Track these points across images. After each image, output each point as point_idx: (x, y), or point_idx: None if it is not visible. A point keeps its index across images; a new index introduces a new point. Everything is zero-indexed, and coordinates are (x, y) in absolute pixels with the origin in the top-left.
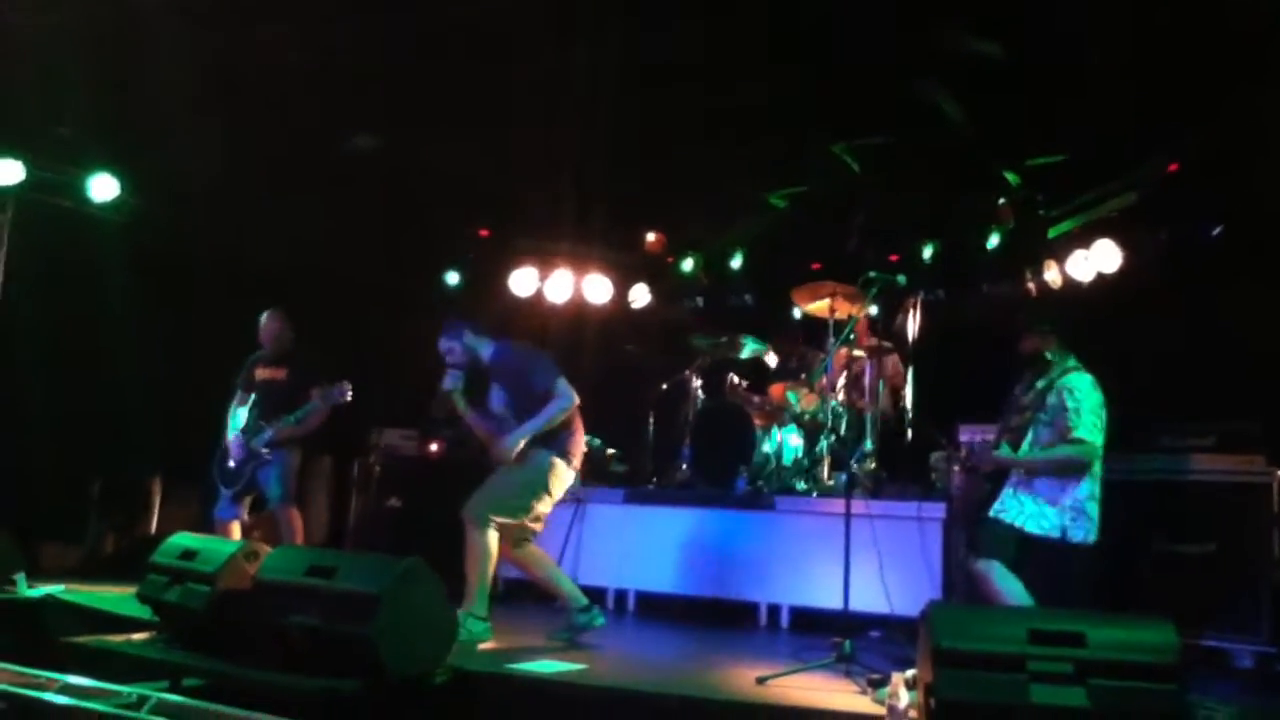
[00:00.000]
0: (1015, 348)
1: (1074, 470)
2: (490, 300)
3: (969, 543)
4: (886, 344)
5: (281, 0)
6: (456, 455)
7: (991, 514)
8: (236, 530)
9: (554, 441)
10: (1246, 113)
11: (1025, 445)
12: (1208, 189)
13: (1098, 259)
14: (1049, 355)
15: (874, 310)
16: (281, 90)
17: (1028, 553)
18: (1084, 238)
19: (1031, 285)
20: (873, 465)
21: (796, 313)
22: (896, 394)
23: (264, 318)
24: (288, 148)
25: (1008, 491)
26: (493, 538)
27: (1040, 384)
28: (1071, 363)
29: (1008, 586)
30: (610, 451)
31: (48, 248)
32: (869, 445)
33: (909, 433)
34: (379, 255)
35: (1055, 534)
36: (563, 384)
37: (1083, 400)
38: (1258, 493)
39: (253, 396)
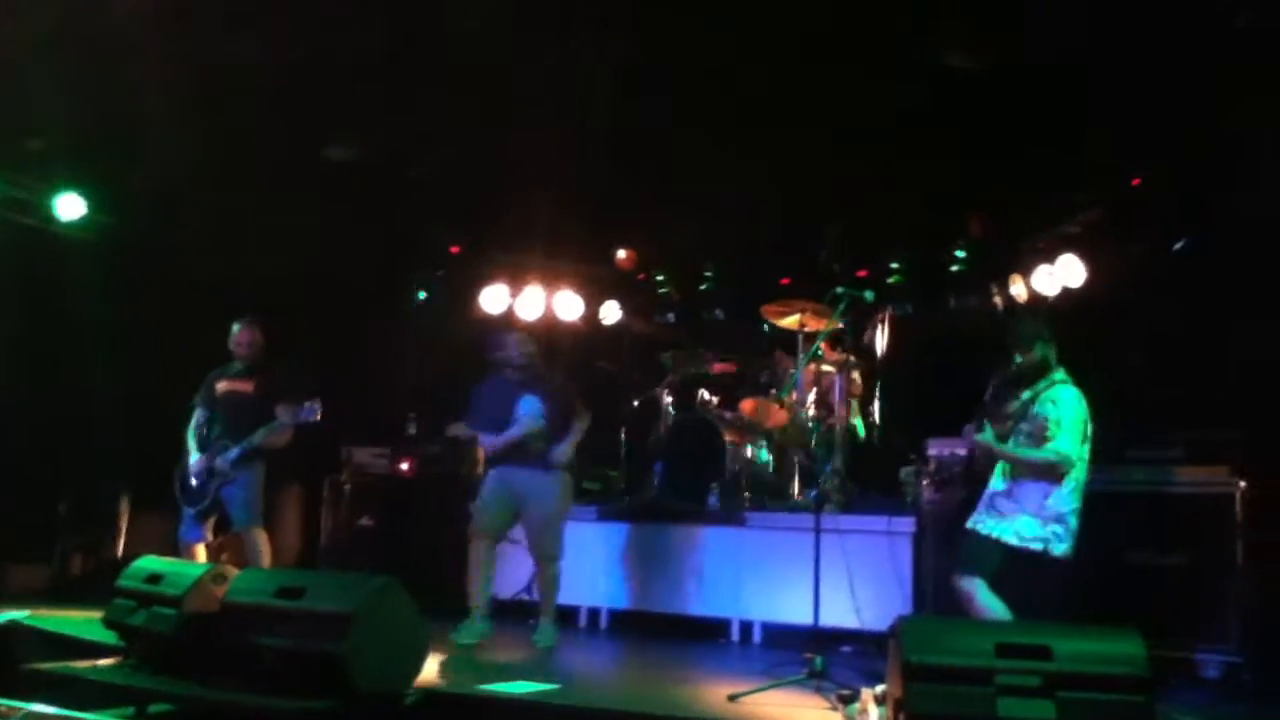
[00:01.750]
0: (995, 357)
1: (1050, 475)
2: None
3: (950, 557)
4: (854, 359)
5: (252, 14)
6: (428, 473)
7: (968, 525)
8: (201, 553)
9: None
10: (1215, 125)
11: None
12: (1173, 202)
13: (1063, 274)
14: (1048, 363)
15: (842, 325)
16: (253, 107)
17: (1008, 565)
18: (1049, 252)
19: (999, 299)
20: (841, 480)
21: (767, 328)
22: (863, 408)
23: (238, 327)
24: (258, 166)
25: (985, 506)
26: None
27: (1026, 395)
28: (1060, 375)
29: (990, 605)
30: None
31: (14, 266)
32: (838, 460)
33: (876, 446)
34: (349, 271)
35: (1037, 547)
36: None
37: (1065, 413)
38: (1223, 503)
39: (210, 412)
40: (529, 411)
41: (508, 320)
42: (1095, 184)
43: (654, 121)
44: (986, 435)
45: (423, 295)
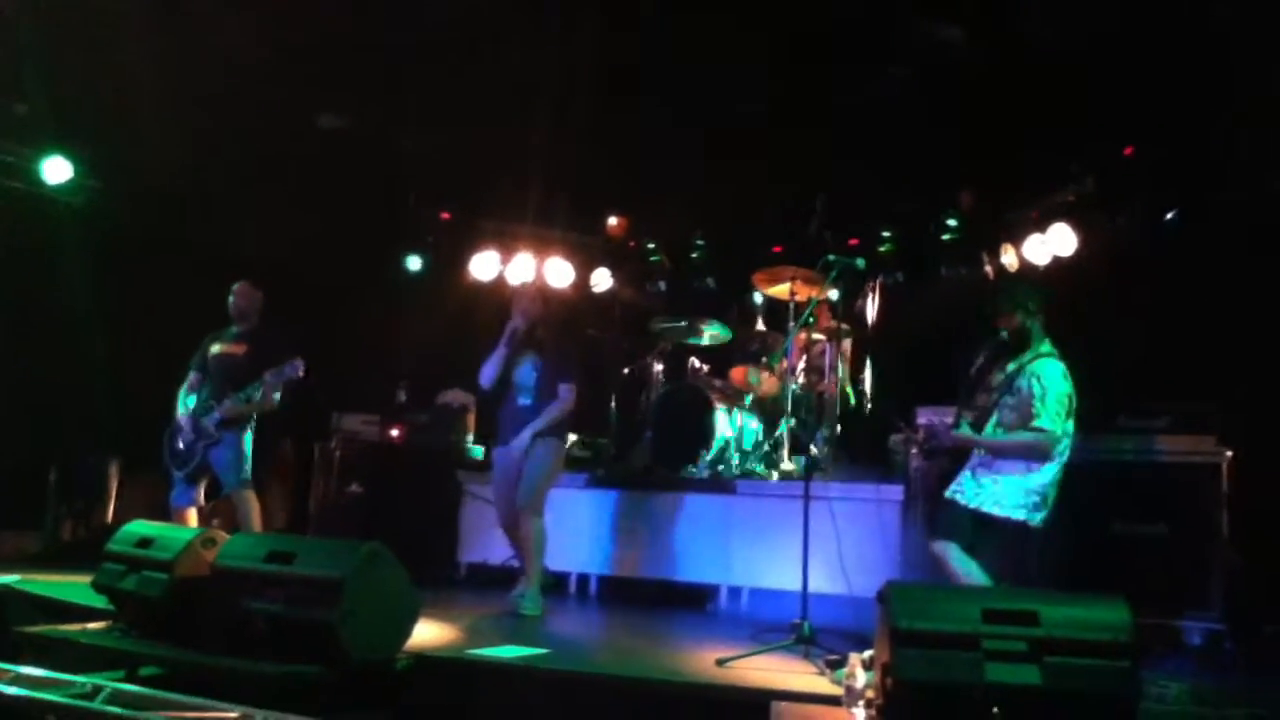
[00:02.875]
0: (984, 327)
1: (1033, 456)
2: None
3: (927, 523)
4: (845, 327)
5: None
6: (418, 441)
7: (947, 495)
8: (193, 517)
9: (564, 429)
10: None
11: (989, 427)
12: (1164, 172)
13: (1054, 243)
14: (1031, 333)
15: (834, 294)
16: (245, 72)
17: (985, 534)
18: (1040, 222)
19: (989, 268)
20: (830, 448)
21: (758, 296)
22: (853, 376)
23: (238, 287)
24: (250, 130)
25: (966, 473)
26: (545, 521)
27: (1011, 367)
28: (1045, 348)
29: (964, 568)
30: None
31: (5, 232)
32: (827, 428)
33: (867, 414)
34: (340, 238)
35: (1016, 516)
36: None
37: (1049, 388)
38: (1208, 473)
39: (203, 373)
40: (524, 380)
41: (498, 286)
42: (1087, 153)
43: (646, 90)
44: (963, 429)
45: (418, 263)
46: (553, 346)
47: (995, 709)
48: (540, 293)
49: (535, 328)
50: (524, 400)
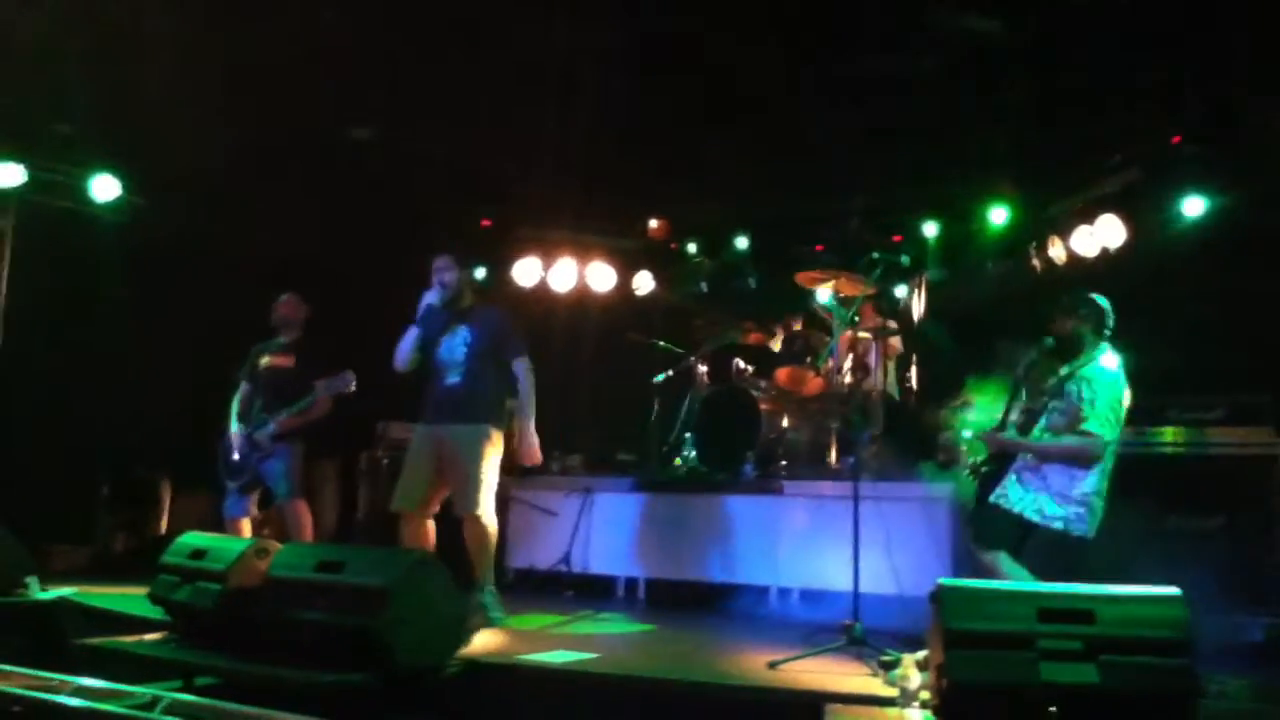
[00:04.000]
0: (1033, 326)
1: (1080, 461)
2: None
3: (972, 530)
4: (891, 324)
5: None
6: None
7: (991, 499)
8: (247, 528)
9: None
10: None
11: (1036, 431)
12: (1212, 162)
13: (1102, 234)
14: (1084, 339)
15: (877, 290)
16: (281, 82)
17: (1031, 540)
18: (1087, 213)
19: (1036, 262)
20: (878, 447)
21: (822, 294)
22: (900, 374)
23: (283, 299)
24: (289, 140)
25: (1011, 478)
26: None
27: (1064, 371)
28: (1100, 350)
29: (1014, 575)
30: None
31: (51, 249)
32: (875, 427)
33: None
34: (382, 247)
35: (1057, 525)
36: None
37: (1100, 393)
38: (1265, 465)
39: (254, 385)
40: (451, 356)
41: (540, 292)
42: (1133, 143)
43: (684, 91)
44: (1010, 433)
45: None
46: (484, 316)
47: (1052, 709)
48: (457, 261)
49: (460, 297)
50: (452, 379)
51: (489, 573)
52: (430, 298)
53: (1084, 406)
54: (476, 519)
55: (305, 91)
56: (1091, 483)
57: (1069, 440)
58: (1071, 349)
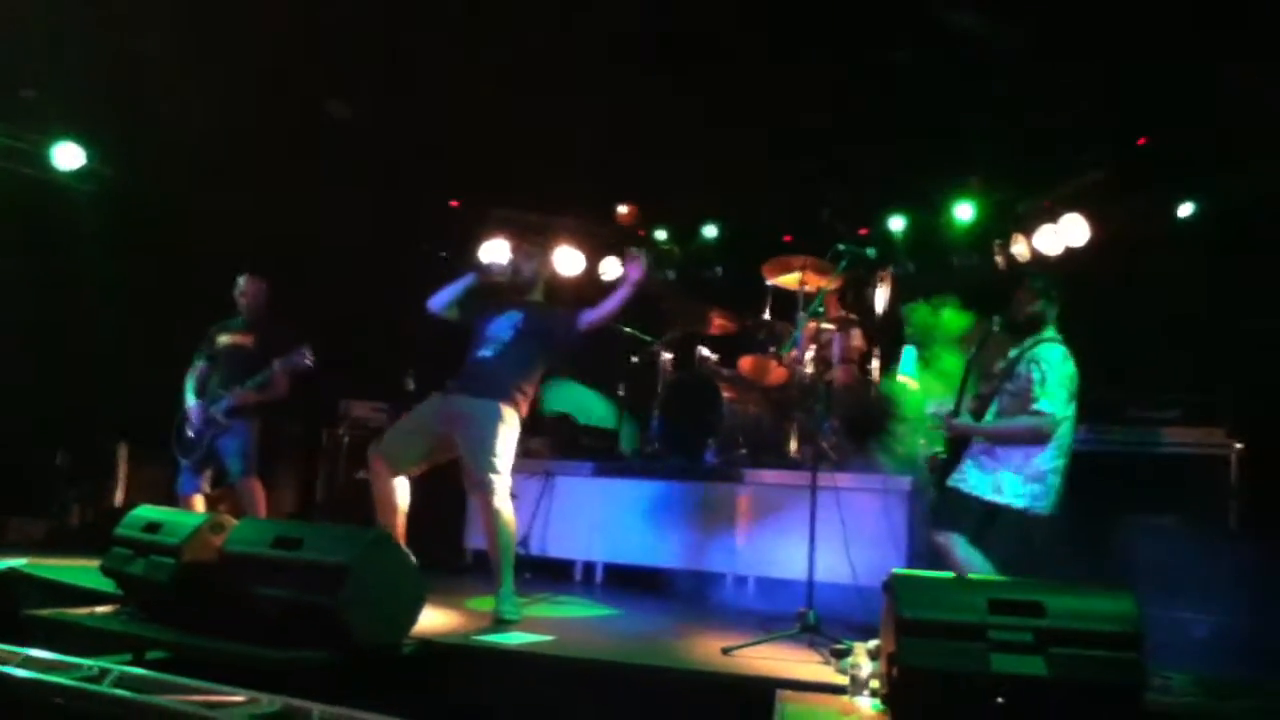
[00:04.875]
0: (988, 316)
1: (1034, 440)
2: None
3: (931, 513)
4: (853, 316)
5: None
6: None
7: (950, 483)
8: (199, 504)
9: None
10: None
11: (989, 414)
12: (1177, 163)
13: (1066, 233)
14: (1042, 320)
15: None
16: (255, 55)
17: (989, 522)
18: (1052, 212)
19: (1000, 259)
20: (838, 438)
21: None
22: (861, 366)
23: (243, 280)
24: (260, 114)
25: (968, 461)
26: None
27: (1012, 353)
28: (1048, 333)
29: (969, 560)
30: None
31: (12, 216)
32: (836, 418)
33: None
34: (350, 225)
35: (1018, 504)
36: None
37: (1049, 371)
38: (1217, 465)
39: (211, 363)
40: (497, 333)
41: None
42: (1099, 143)
43: (655, 78)
44: (964, 418)
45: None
46: (544, 310)
47: (1000, 699)
48: (550, 255)
49: (529, 288)
50: (485, 351)
51: (506, 571)
52: (503, 265)
53: (1035, 386)
54: (488, 503)
55: (279, 65)
56: (1048, 459)
57: (1022, 421)
58: (1025, 329)
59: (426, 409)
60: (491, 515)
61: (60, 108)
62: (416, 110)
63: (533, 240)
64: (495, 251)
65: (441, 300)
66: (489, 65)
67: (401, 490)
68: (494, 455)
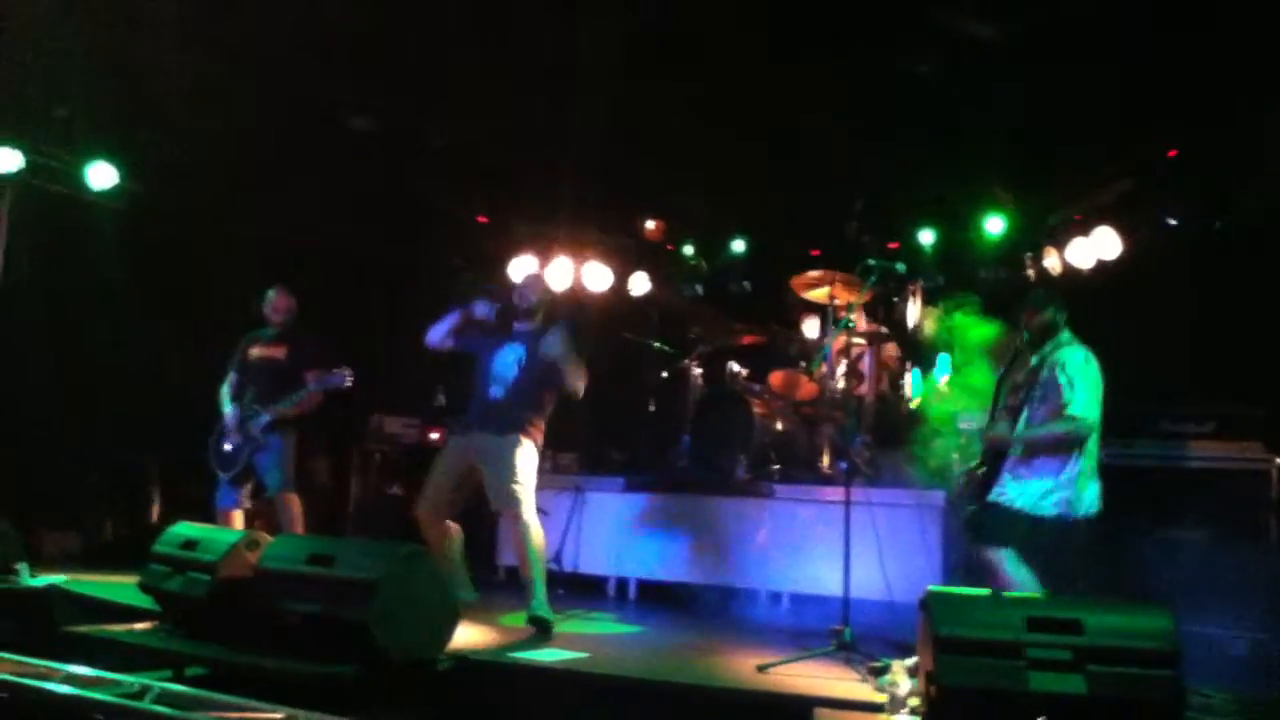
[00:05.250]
0: (1020, 326)
1: (1070, 445)
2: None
3: (973, 530)
4: (884, 330)
5: None
6: None
7: (990, 499)
8: (239, 519)
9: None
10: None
11: (1020, 424)
12: (1208, 174)
13: (1098, 245)
14: (1054, 327)
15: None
16: (283, 71)
17: (1033, 534)
18: (1084, 224)
19: (1031, 272)
20: (871, 453)
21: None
22: (894, 381)
23: (273, 293)
24: (289, 130)
25: (1006, 475)
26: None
27: (1034, 361)
28: (1066, 337)
29: (1018, 576)
30: None
31: (47, 234)
32: (868, 433)
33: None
34: (380, 240)
35: (1060, 510)
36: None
37: (1076, 375)
38: (1256, 479)
39: (243, 375)
40: (502, 371)
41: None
42: (1129, 155)
43: (681, 93)
44: (1000, 428)
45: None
46: (545, 340)
47: (1040, 717)
48: (541, 280)
49: (533, 314)
50: (496, 392)
51: (537, 583)
52: (480, 308)
53: (1065, 391)
54: (516, 517)
55: (306, 81)
56: (1080, 464)
57: (1057, 427)
58: (1040, 339)
59: (450, 453)
60: (520, 529)
61: (91, 125)
62: (447, 125)
63: (531, 280)
64: (522, 268)
65: (435, 336)
66: (513, 76)
67: (454, 533)
68: (516, 476)
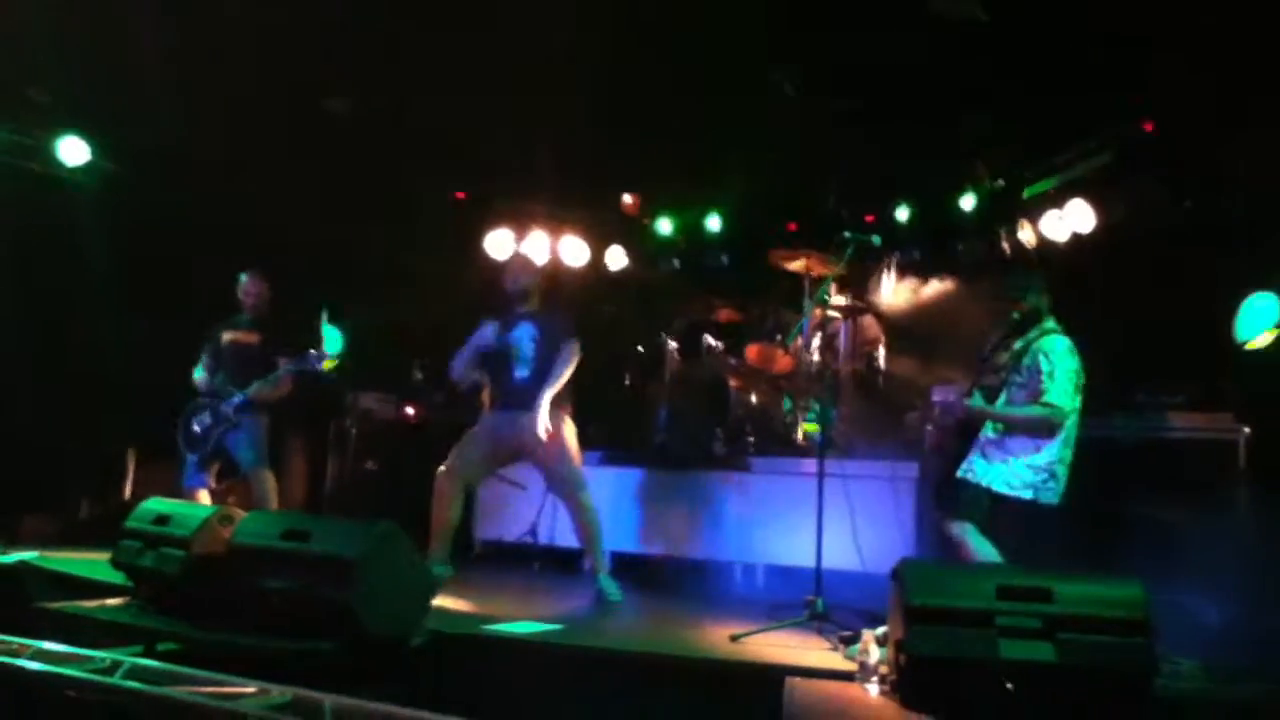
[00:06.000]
0: (1003, 310)
1: (1043, 431)
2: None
3: (939, 503)
4: (860, 304)
5: None
6: (434, 420)
7: (959, 474)
8: (205, 498)
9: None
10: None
11: (999, 404)
12: (1183, 148)
13: (1072, 219)
14: (1038, 312)
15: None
16: (258, 50)
17: (997, 513)
18: (1058, 198)
19: (1006, 245)
20: (845, 426)
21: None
22: (871, 354)
23: (245, 278)
24: (263, 109)
25: (975, 454)
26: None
27: (1018, 345)
28: (1050, 324)
29: (981, 549)
30: None
31: (21, 214)
32: (843, 406)
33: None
34: (353, 218)
35: (1026, 494)
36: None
37: (1057, 364)
38: (1226, 450)
39: (216, 360)
40: (522, 352)
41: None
42: (1105, 128)
43: (658, 66)
44: (976, 400)
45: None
46: (548, 317)
47: (1009, 685)
48: (529, 261)
49: (528, 295)
50: (522, 372)
51: (601, 558)
52: (487, 332)
53: (1044, 379)
54: (576, 497)
55: (283, 60)
56: (1054, 451)
57: (1033, 410)
58: (1024, 323)
59: (485, 430)
60: (579, 508)
61: (65, 103)
62: (417, 103)
63: (512, 264)
64: (499, 243)
65: (458, 371)
66: (489, 53)
67: (458, 504)
68: (571, 455)
